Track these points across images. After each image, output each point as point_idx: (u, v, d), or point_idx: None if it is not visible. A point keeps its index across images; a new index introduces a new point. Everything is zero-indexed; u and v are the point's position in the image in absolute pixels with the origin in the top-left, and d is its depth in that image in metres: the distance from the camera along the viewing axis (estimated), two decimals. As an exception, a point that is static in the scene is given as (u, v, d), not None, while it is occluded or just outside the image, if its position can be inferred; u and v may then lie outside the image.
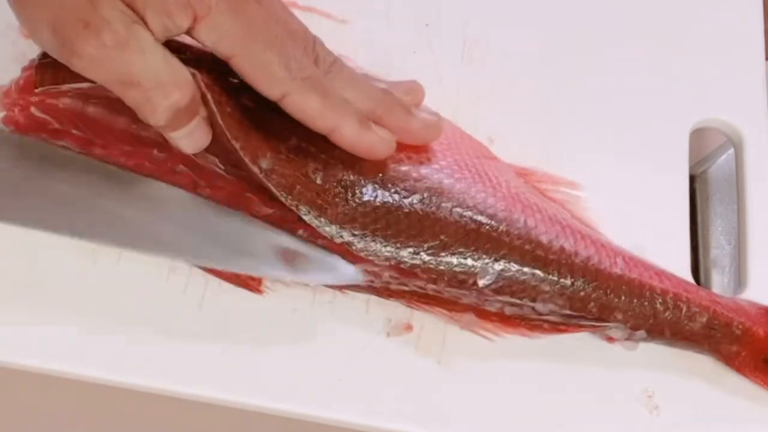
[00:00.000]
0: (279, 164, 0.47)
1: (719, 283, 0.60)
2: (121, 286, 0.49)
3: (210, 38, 0.44)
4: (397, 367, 0.49)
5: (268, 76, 0.45)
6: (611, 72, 0.59)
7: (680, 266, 0.53)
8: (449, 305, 0.49)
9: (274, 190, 0.47)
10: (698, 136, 0.59)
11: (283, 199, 0.47)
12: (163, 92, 0.43)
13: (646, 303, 0.49)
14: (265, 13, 0.45)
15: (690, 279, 0.53)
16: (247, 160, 0.47)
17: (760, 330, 0.50)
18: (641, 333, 0.49)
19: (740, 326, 0.50)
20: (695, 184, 0.64)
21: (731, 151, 0.60)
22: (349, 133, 0.47)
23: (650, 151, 0.57)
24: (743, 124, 0.58)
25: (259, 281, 0.49)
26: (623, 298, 0.49)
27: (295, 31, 0.46)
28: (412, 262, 0.48)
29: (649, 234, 0.54)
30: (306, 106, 0.46)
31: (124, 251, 0.49)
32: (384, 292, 0.49)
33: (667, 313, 0.49)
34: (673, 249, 0.54)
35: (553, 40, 0.60)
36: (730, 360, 0.50)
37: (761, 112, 0.59)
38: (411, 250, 0.47)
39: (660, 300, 0.49)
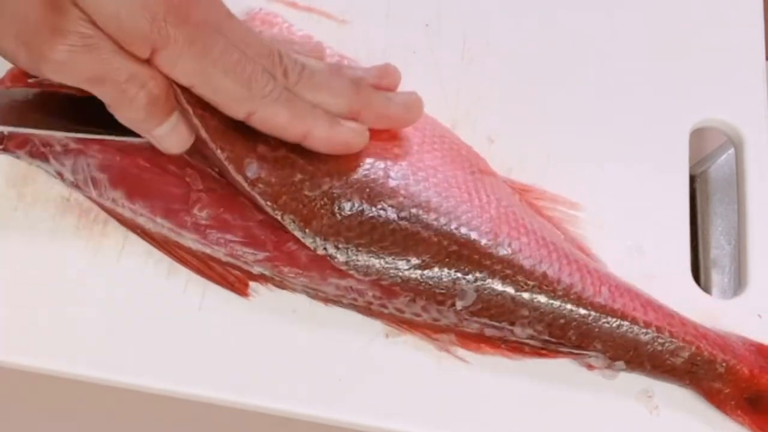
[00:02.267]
0: (265, 173, 0.47)
1: (719, 283, 0.60)
2: (120, 286, 0.49)
3: (167, 69, 0.44)
4: (397, 367, 0.49)
5: (230, 99, 0.45)
6: (611, 72, 0.59)
7: (680, 266, 0.53)
8: (428, 328, 0.49)
9: (259, 199, 0.47)
10: (698, 136, 0.59)
11: (268, 209, 0.47)
12: (138, 82, 0.44)
13: (626, 335, 0.48)
14: (225, 40, 0.45)
15: (690, 279, 0.53)
16: (231, 169, 0.47)
17: (744, 369, 0.49)
18: (620, 363, 0.49)
19: (724, 364, 0.49)
20: (695, 184, 0.64)
21: (731, 151, 0.60)
22: (320, 136, 0.47)
23: (650, 151, 0.57)
24: (743, 124, 0.58)
25: (245, 284, 0.49)
26: (603, 328, 0.48)
27: (258, 53, 0.47)
28: (392, 279, 0.47)
29: (649, 234, 0.54)
30: (273, 120, 0.46)
31: (124, 251, 0.49)
32: (365, 310, 0.49)
33: (647, 347, 0.48)
34: (673, 249, 0.54)
35: (553, 40, 0.60)
36: (711, 396, 0.49)
37: (761, 112, 0.59)
38: (392, 267, 0.47)
39: (642, 332, 0.48)
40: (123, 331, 0.48)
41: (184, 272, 0.49)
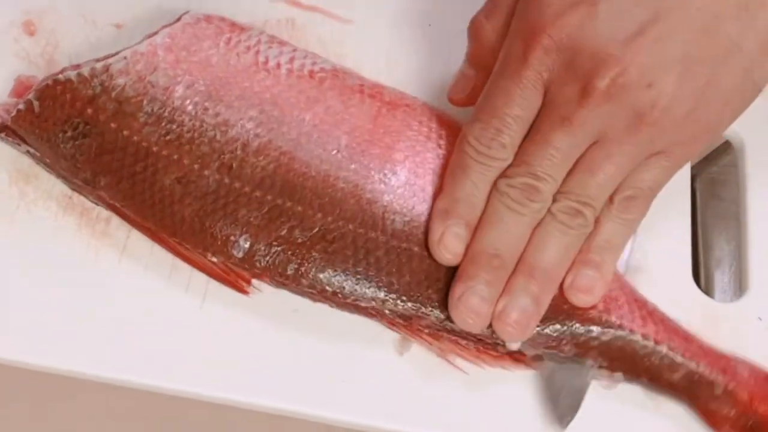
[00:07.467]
0: (255, 242, 0.47)
1: (719, 283, 0.60)
2: (122, 284, 0.49)
3: None
4: (398, 368, 0.49)
5: None
6: (612, 72, 0.59)
7: (681, 267, 0.53)
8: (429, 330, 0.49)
9: (257, 271, 0.48)
10: (698, 136, 0.59)
11: (266, 278, 0.48)
12: None
13: (624, 347, 0.48)
14: None
15: (691, 281, 0.53)
16: (221, 259, 0.48)
17: (744, 394, 0.48)
18: (619, 375, 0.48)
19: (723, 386, 0.48)
20: (695, 184, 0.64)
21: (731, 151, 0.60)
22: None
23: (651, 151, 0.57)
24: (743, 125, 0.58)
25: (248, 281, 0.49)
26: (600, 339, 0.48)
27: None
28: (393, 308, 0.48)
29: (649, 234, 0.53)
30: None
31: (126, 250, 0.50)
32: (366, 311, 0.49)
33: (645, 360, 0.48)
34: (673, 249, 0.54)
35: (554, 39, 0.59)
36: (707, 416, 0.48)
37: (761, 113, 0.59)
38: (392, 296, 0.48)
39: (639, 346, 0.48)
40: (124, 330, 0.48)
41: (186, 271, 0.49)
